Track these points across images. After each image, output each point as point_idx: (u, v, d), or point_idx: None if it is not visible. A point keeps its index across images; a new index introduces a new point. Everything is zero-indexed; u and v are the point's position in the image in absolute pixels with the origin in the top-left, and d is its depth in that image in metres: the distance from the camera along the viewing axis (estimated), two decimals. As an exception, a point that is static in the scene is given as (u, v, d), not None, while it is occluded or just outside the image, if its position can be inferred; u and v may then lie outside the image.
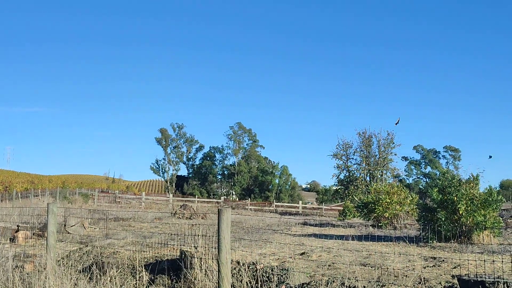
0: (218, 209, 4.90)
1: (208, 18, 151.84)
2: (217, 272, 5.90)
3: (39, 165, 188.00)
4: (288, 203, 71.08)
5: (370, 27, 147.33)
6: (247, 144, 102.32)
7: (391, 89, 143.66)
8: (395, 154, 51.65)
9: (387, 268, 7.95)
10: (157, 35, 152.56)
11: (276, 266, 7.14)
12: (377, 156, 50.97)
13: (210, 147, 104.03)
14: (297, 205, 52.37)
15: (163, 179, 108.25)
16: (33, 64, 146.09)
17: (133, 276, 7.19)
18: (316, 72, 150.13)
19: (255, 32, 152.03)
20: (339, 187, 54.92)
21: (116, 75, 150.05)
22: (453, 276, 7.14)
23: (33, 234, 14.77)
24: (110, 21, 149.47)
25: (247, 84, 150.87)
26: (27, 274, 6.78)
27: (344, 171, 52.46)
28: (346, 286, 5.72)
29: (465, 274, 6.10)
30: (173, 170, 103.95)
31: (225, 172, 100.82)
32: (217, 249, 4.86)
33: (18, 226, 15.11)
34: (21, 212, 19.68)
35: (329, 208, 49.94)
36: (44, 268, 7.27)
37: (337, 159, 52.12)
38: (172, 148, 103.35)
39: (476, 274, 5.50)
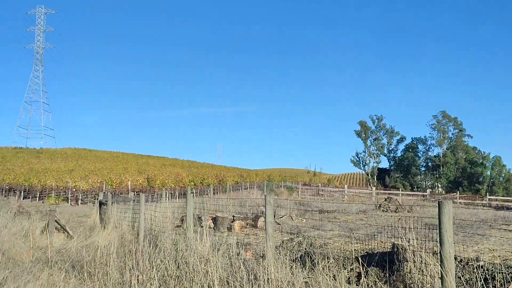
0: (439, 202, 4.87)
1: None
2: (433, 267, 5.64)
3: (245, 160, 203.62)
4: (503, 196, 64.47)
5: None
6: (452, 134, 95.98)
7: None
8: None
9: None
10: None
11: (500, 264, 6.49)
12: None
13: (412, 138, 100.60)
14: (515, 198, 47.23)
15: (363, 172, 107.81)
16: (245, 69, 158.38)
17: (344, 267, 7.23)
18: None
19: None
20: None
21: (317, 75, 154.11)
22: None
23: (247, 224, 15.93)
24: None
25: (451, 72, 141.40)
26: (246, 260, 7.29)
27: None
28: None
29: None
30: (373, 162, 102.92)
31: (429, 164, 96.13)
32: (438, 243, 4.79)
33: (233, 216, 16.47)
34: (235, 203, 21.42)
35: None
36: (261, 256, 7.76)
37: None
38: (372, 141, 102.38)
39: None
